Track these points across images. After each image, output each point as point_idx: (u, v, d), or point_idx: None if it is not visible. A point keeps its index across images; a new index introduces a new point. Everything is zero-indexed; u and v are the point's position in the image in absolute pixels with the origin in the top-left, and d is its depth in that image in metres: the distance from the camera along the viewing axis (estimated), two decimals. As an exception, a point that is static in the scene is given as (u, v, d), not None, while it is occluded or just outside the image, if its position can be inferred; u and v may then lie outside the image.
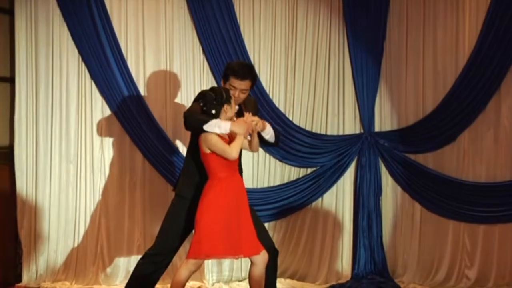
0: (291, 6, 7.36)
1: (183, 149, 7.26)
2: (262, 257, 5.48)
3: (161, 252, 5.63)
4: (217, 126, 5.29)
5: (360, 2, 7.28)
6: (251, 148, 5.59)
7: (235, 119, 5.48)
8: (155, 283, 5.73)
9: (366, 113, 7.30)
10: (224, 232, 5.32)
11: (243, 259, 7.29)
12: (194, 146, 5.59)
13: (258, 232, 5.52)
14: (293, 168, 7.41)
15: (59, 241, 7.21)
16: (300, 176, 7.40)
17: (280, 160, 7.37)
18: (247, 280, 7.20)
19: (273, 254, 5.68)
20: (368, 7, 7.27)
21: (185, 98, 7.27)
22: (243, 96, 5.61)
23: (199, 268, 5.56)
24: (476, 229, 7.20)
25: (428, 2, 7.29)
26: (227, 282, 7.31)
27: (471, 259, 7.20)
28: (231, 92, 5.51)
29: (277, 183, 7.39)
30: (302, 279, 7.34)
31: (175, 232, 5.61)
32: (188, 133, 7.19)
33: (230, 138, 5.40)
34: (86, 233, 7.23)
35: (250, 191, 7.04)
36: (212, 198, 5.35)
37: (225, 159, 5.33)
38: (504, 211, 7.11)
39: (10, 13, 7.17)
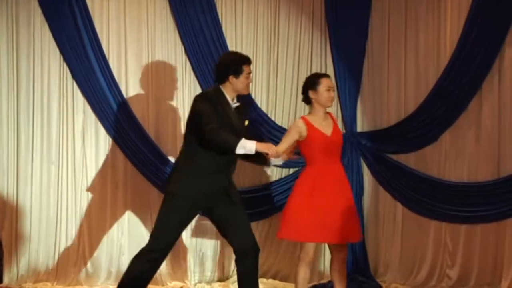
0: (273, 7, 7.38)
1: (165, 149, 7.26)
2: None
3: (157, 250, 5.60)
4: (243, 148, 5.36)
5: (342, 3, 7.29)
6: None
7: None
8: (148, 282, 5.71)
9: (348, 114, 7.31)
10: (318, 217, 5.68)
11: (225, 259, 7.35)
12: (190, 142, 5.58)
13: (241, 228, 5.65)
14: (275, 168, 7.41)
15: (40, 241, 7.19)
16: (283, 176, 7.41)
17: (262, 160, 7.36)
18: (229, 280, 7.29)
19: (254, 252, 5.71)
20: (350, 8, 7.28)
21: (167, 98, 7.27)
22: None
23: (312, 258, 5.89)
24: (457, 229, 7.21)
25: (410, 3, 7.31)
26: (209, 282, 7.32)
27: (453, 258, 7.21)
28: (248, 80, 5.66)
29: (260, 183, 7.39)
30: (284, 279, 7.35)
31: (170, 230, 5.59)
32: (170, 133, 7.27)
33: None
34: (67, 234, 7.22)
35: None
36: (310, 184, 5.72)
37: (319, 147, 5.76)
38: (486, 211, 7.10)
39: (-9, 13, 7.16)
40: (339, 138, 5.94)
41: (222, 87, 5.67)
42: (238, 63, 5.64)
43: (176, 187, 5.61)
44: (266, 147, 5.42)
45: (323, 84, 5.85)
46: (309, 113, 5.92)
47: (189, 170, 5.60)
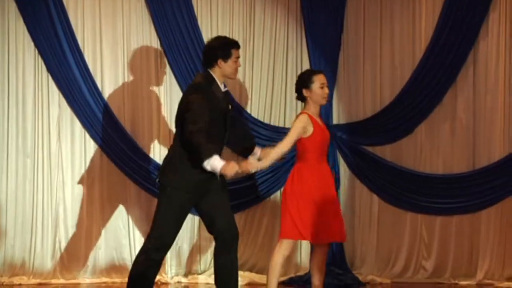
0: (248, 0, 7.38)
1: (141, 143, 7.25)
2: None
3: (162, 246, 5.55)
4: (209, 165, 5.28)
5: (318, -4, 7.31)
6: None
7: None
8: (156, 274, 5.66)
9: (323, 106, 7.28)
10: (316, 216, 5.61)
11: (202, 252, 7.36)
12: (182, 134, 5.54)
13: (228, 217, 5.64)
14: (251, 161, 7.41)
15: (16, 236, 7.20)
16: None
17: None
18: (206, 273, 7.29)
19: (236, 243, 5.70)
20: (325, 1, 7.28)
21: (143, 91, 7.26)
22: None
23: (290, 251, 5.80)
24: (433, 220, 7.27)
25: (385, -5, 7.35)
26: (186, 275, 7.32)
27: (428, 250, 7.27)
28: (236, 64, 5.61)
29: (236, 176, 7.37)
30: (261, 271, 7.33)
31: (172, 224, 5.52)
32: (146, 127, 7.27)
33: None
34: (43, 228, 7.23)
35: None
36: (304, 182, 5.63)
37: (319, 144, 5.65)
38: (461, 203, 7.19)
39: (-35, 7, 7.13)
40: (329, 135, 5.96)
41: (211, 72, 5.64)
42: (227, 47, 5.59)
43: (173, 180, 5.53)
44: (228, 169, 5.28)
45: (317, 82, 5.74)
46: (305, 109, 5.83)
47: (183, 162, 5.53)
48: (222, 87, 5.66)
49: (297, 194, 5.69)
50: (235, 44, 5.66)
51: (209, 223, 5.74)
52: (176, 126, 5.69)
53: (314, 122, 5.75)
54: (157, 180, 5.72)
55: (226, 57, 5.57)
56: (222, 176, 5.68)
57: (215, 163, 5.27)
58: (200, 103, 5.42)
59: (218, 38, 5.83)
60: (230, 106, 5.76)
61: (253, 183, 7.34)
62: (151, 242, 5.55)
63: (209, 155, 5.26)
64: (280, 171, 7.32)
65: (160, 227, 5.54)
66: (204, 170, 5.54)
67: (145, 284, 5.59)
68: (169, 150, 5.79)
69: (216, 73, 5.62)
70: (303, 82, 5.80)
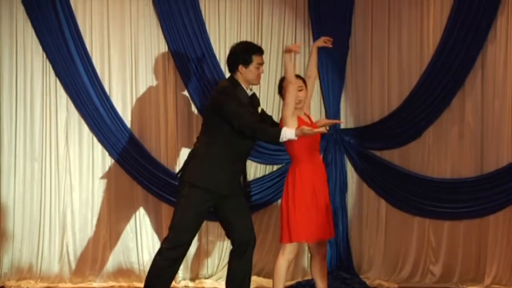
0: (256, 3, 7.35)
1: (149, 146, 7.25)
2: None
3: (177, 245, 5.54)
4: (285, 138, 5.45)
5: (325, 0, 7.28)
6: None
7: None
8: (173, 277, 5.69)
9: (331, 110, 7.30)
10: (314, 215, 5.71)
11: (209, 256, 7.35)
12: (210, 133, 5.53)
13: (247, 220, 5.76)
14: (259, 165, 7.40)
15: (23, 239, 7.21)
16: (266, 173, 7.40)
17: (246, 157, 7.36)
18: (213, 277, 7.28)
19: (252, 247, 5.80)
20: (333, 5, 7.26)
21: (150, 95, 7.25)
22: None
23: (295, 255, 5.90)
24: (441, 225, 7.25)
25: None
26: (193, 279, 7.32)
27: (436, 255, 7.25)
28: (258, 70, 5.64)
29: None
30: (268, 276, 7.32)
31: (192, 222, 5.53)
32: (154, 130, 7.27)
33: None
34: (51, 231, 7.24)
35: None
36: (298, 182, 5.68)
37: (308, 143, 5.70)
38: (469, 207, 7.16)
39: (-27, 10, 7.14)
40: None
41: (235, 77, 5.62)
42: (247, 53, 5.58)
43: (197, 178, 5.51)
44: (300, 130, 5.47)
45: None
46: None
47: (209, 161, 5.53)
48: (248, 91, 5.63)
49: (290, 196, 5.73)
50: (256, 50, 5.62)
51: (227, 227, 5.74)
52: (203, 126, 5.67)
53: (300, 122, 5.75)
54: (179, 174, 5.66)
55: (246, 63, 5.55)
56: (244, 179, 5.70)
57: (286, 134, 5.43)
58: (231, 100, 5.47)
59: (241, 44, 5.81)
60: (260, 109, 5.74)
61: (261, 187, 7.33)
62: (167, 241, 5.54)
63: (278, 134, 5.43)
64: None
65: (176, 226, 5.53)
66: (228, 173, 5.52)
67: (160, 285, 5.57)
68: (194, 147, 5.72)
69: (239, 79, 5.60)
70: (278, 87, 6.01)
